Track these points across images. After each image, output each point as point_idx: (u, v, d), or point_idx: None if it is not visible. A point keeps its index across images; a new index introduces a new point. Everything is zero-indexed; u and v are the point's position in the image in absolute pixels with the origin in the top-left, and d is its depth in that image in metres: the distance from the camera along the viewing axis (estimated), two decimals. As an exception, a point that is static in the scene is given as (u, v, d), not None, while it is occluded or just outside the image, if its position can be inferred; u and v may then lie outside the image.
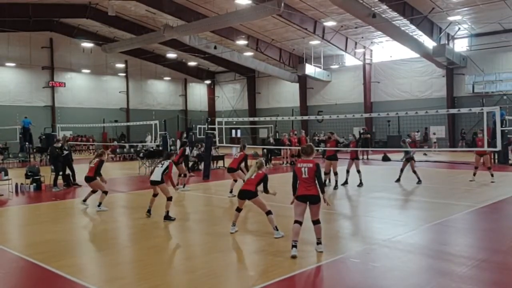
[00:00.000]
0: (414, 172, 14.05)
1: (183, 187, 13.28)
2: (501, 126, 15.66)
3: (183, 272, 6.16)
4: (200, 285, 5.53)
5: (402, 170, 14.40)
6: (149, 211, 9.51)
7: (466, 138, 29.53)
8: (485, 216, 9.58)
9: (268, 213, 7.58)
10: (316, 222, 6.58)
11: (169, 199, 9.10)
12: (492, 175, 14.25)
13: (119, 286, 5.60)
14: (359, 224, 9.15)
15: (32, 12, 28.59)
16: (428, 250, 6.96)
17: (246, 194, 7.73)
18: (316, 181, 6.54)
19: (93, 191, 10.58)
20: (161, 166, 9.33)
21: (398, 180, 14.26)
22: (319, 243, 6.65)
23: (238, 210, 7.96)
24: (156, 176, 9.24)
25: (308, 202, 6.53)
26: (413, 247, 7.14)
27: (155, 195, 9.54)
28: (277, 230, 7.50)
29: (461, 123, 30.83)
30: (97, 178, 10.40)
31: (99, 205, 10.22)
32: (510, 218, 9.70)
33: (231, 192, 11.97)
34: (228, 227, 8.01)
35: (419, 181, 13.85)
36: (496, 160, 20.19)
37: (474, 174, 14.41)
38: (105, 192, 10.41)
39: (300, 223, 6.51)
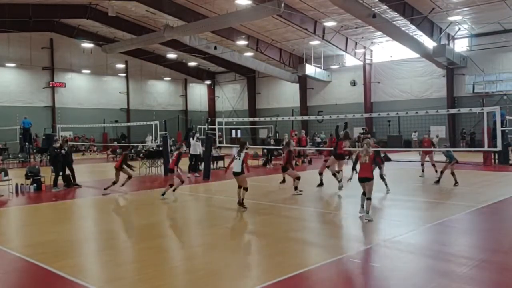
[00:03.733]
0: (441, 173, 13.68)
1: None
2: (501, 126, 15.67)
3: (184, 272, 6.17)
4: (201, 286, 5.54)
5: (453, 174, 13.46)
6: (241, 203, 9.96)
7: (466, 138, 29.53)
8: (485, 216, 9.58)
9: (369, 199, 8.79)
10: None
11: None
12: (437, 172, 14.15)
13: (120, 286, 5.61)
14: (359, 224, 9.14)
15: (32, 13, 28.53)
16: (428, 250, 6.97)
17: (364, 180, 8.85)
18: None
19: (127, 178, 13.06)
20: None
21: (456, 184, 13.29)
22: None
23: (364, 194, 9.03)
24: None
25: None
26: (414, 247, 7.15)
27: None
28: (368, 213, 8.68)
29: (461, 123, 30.83)
30: (124, 167, 12.81)
31: (122, 185, 12.87)
32: (510, 218, 9.70)
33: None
34: (228, 228, 8.00)
35: (456, 183, 13.23)
36: (496, 160, 20.19)
37: (423, 170, 15.45)
38: (129, 177, 12.94)
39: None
